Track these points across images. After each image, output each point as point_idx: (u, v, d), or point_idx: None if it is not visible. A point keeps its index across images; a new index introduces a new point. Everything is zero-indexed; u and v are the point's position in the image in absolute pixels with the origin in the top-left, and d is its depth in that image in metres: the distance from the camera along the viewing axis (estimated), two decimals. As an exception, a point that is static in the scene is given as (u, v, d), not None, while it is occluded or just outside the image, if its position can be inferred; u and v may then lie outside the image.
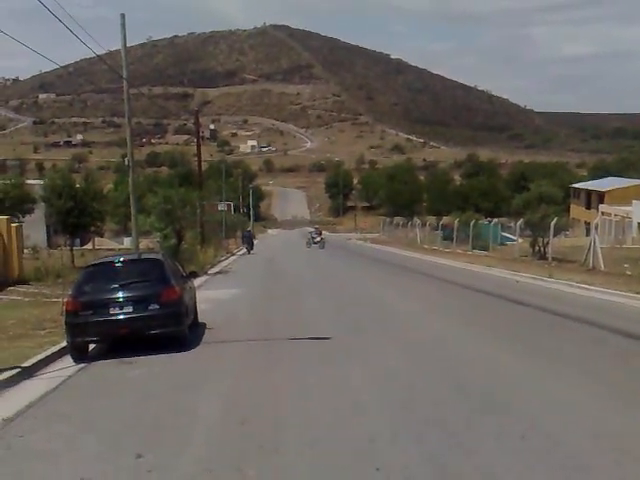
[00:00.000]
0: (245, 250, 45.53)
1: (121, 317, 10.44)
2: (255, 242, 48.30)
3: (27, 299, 17.59)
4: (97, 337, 10.68)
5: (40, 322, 13.34)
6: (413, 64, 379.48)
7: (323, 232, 49.37)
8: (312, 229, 51.07)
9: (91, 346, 10.95)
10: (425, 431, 6.18)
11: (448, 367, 8.96)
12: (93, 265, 11.70)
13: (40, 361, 9.87)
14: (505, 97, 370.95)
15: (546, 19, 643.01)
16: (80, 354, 10.43)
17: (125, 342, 10.80)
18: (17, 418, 7.29)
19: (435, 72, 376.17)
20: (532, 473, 5.16)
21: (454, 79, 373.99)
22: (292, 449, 5.89)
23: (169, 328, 10.68)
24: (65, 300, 11.18)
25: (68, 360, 10.34)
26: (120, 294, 10.60)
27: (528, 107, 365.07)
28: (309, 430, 6.38)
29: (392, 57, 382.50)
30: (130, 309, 10.49)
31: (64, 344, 10.68)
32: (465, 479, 5.10)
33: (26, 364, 9.45)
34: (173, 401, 7.81)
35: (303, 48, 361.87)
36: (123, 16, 21.16)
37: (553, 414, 6.67)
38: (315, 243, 45.59)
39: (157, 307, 10.59)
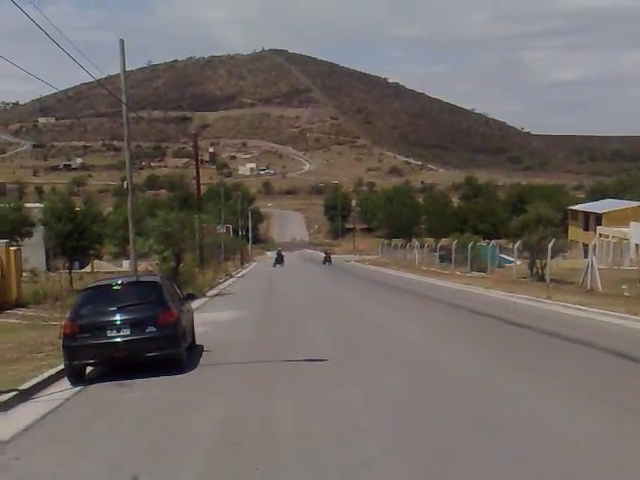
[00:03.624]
0: (276, 265, 55.50)
1: (118, 340, 10.46)
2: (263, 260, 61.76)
3: (25, 322, 17.58)
4: (94, 360, 10.68)
5: (38, 345, 13.34)
6: (410, 88, 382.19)
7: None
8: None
9: (88, 369, 10.96)
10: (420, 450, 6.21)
11: (444, 387, 8.99)
12: (91, 288, 11.73)
13: (37, 384, 9.88)
14: (502, 120, 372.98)
15: (542, 44, 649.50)
16: (77, 377, 10.44)
17: (123, 365, 10.81)
18: (14, 440, 7.30)
19: (432, 96, 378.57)
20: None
21: (451, 102, 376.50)
22: (286, 471, 5.90)
23: (166, 351, 10.68)
24: (63, 323, 11.20)
25: (65, 383, 10.35)
26: (117, 317, 10.62)
27: (525, 130, 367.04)
28: (304, 452, 6.39)
29: (390, 81, 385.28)
30: (127, 332, 10.50)
31: (62, 367, 10.68)
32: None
33: (23, 387, 9.46)
34: (169, 423, 7.83)
35: (301, 72, 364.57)
36: (122, 42, 21.40)
37: (551, 433, 6.69)
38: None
39: (154, 330, 10.60)
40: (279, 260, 56.93)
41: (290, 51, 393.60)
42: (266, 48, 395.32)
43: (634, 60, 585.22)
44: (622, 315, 15.95)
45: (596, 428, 6.96)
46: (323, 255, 59.88)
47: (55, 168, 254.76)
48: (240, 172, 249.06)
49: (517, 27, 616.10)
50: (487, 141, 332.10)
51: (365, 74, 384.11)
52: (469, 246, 39.74)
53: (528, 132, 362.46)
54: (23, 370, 10.68)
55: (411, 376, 9.98)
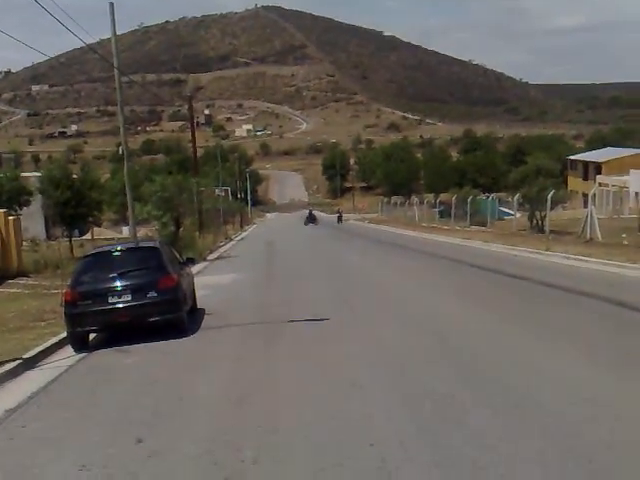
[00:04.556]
0: (309, 225, 56.17)
1: (120, 306, 10.52)
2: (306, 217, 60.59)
3: (27, 291, 17.66)
4: (97, 326, 10.74)
5: (40, 313, 13.42)
6: (407, 40, 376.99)
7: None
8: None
9: (92, 335, 11.05)
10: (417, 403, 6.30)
11: (440, 338, 9.08)
12: (91, 255, 11.77)
13: (41, 352, 9.95)
14: (500, 71, 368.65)
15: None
16: (80, 344, 10.52)
17: (125, 330, 10.88)
18: (19, 409, 7.38)
19: (429, 48, 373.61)
20: (524, 442, 5.26)
21: (448, 54, 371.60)
22: (289, 429, 5.99)
23: (168, 315, 10.75)
24: (64, 291, 11.25)
25: (69, 350, 10.43)
26: (118, 283, 10.67)
27: (523, 80, 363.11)
28: (306, 410, 6.48)
29: (385, 34, 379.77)
30: (128, 297, 10.56)
31: (64, 335, 10.76)
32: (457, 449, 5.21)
33: (27, 355, 9.54)
34: (173, 386, 7.92)
35: (296, 29, 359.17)
36: (112, 5, 21.00)
37: (546, 385, 6.77)
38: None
39: (155, 295, 10.66)
40: (311, 219, 58.31)
41: (284, 7, 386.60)
42: (259, 5, 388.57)
43: (634, 5, 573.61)
44: (621, 264, 15.99)
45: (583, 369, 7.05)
46: (337, 215, 63.11)
47: (50, 136, 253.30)
48: (237, 134, 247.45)
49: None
50: (485, 92, 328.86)
51: (360, 28, 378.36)
52: (468, 200, 39.66)
53: (526, 82, 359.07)
54: (26, 338, 10.77)
55: (407, 330, 10.05)
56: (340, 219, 60.92)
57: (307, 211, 64.42)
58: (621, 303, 11.26)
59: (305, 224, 57.38)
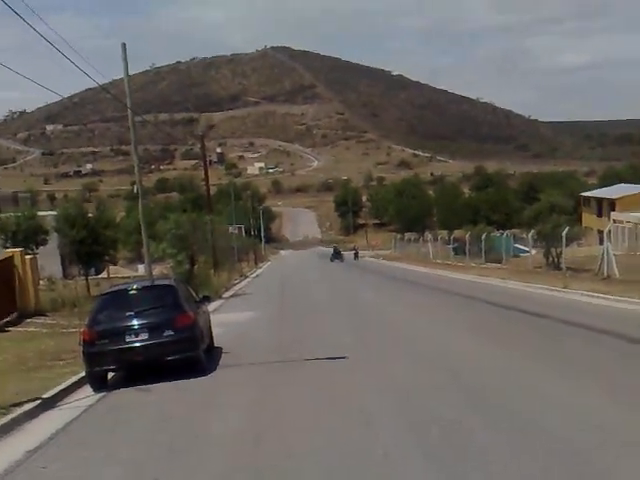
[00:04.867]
0: (334, 260, 58.47)
1: (137, 344, 10.51)
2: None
3: (45, 330, 17.66)
4: (114, 365, 10.73)
5: (58, 353, 13.41)
6: (415, 79, 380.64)
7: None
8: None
9: (110, 374, 11.02)
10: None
11: (454, 376, 8.99)
12: (107, 294, 11.85)
13: (60, 392, 9.94)
14: (509, 108, 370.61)
15: (544, 31, 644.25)
16: (99, 383, 10.51)
17: (143, 369, 10.86)
18: (39, 449, 7.36)
19: (438, 87, 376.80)
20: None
21: (457, 93, 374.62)
22: (305, 469, 5.91)
23: (185, 353, 10.71)
24: (82, 330, 11.25)
25: (88, 390, 10.42)
26: (135, 322, 10.68)
27: (533, 117, 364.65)
28: (322, 451, 6.38)
29: (394, 74, 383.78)
30: (146, 336, 10.54)
31: (83, 374, 10.75)
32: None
33: (46, 395, 9.52)
34: (190, 425, 7.90)
35: (305, 69, 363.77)
36: (124, 46, 21.42)
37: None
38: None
39: (172, 333, 10.64)
40: (337, 256, 60.09)
41: (293, 48, 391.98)
42: (268, 46, 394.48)
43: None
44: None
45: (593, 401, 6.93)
46: (353, 252, 64.87)
47: (66, 175, 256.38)
48: (249, 172, 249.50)
49: (520, 15, 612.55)
50: (494, 130, 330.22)
51: (369, 67, 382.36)
52: (483, 237, 39.57)
53: (536, 119, 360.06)
54: (45, 378, 10.75)
55: (420, 368, 10.00)
56: (356, 255, 62.52)
57: (332, 248, 66.18)
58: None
59: (331, 260, 59.01)
